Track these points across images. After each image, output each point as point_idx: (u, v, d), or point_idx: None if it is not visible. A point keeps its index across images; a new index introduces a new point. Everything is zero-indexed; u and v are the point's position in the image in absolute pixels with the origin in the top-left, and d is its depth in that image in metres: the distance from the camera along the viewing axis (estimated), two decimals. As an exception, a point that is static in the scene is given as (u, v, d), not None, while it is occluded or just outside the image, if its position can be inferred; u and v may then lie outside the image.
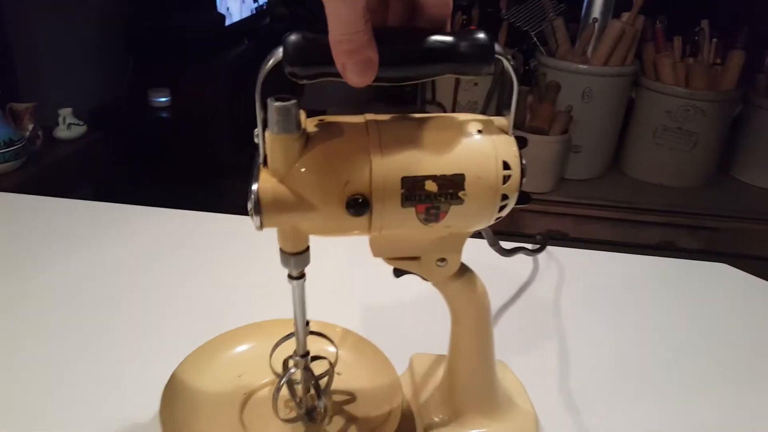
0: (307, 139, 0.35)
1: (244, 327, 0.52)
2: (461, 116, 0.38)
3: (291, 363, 0.43)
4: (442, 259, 0.40)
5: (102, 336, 0.58)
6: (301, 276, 0.39)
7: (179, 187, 2.02)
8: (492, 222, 0.38)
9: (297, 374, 0.43)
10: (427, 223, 0.36)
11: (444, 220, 0.37)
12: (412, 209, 0.36)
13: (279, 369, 0.44)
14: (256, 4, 3.00)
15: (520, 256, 0.69)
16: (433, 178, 0.35)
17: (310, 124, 0.36)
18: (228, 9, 2.68)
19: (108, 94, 2.37)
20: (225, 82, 2.49)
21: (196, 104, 2.38)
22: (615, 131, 1.87)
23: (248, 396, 0.47)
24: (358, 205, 0.34)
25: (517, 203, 0.38)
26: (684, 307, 0.67)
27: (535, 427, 0.46)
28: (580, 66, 1.75)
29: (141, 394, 0.50)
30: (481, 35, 0.34)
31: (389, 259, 0.40)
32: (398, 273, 0.41)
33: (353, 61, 0.31)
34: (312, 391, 0.43)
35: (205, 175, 2.36)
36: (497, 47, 0.34)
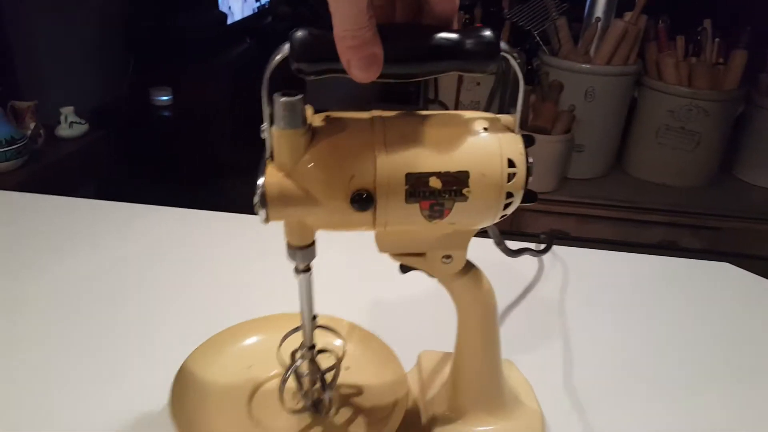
0: (313, 134, 0.35)
1: (255, 320, 0.53)
2: (468, 114, 0.38)
3: (298, 355, 0.43)
4: (448, 256, 0.40)
5: (107, 331, 0.58)
6: (308, 269, 0.39)
7: (181, 185, 2.02)
8: (497, 220, 0.38)
9: (304, 366, 0.43)
10: (431, 219, 0.36)
11: (448, 217, 0.37)
12: (416, 205, 0.36)
13: (287, 361, 0.44)
14: (258, 3, 3.00)
15: (524, 256, 0.69)
16: (437, 174, 0.35)
17: (316, 120, 0.36)
18: (230, 8, 2.68)
19: (109, 92, 2.37)
20: (226, 81, 2.49)
21: (198, 103, 2.38)
22: (618, 131, 1.87)
23: (257, 387, 0.47)
24: (363, 201, 0.35)
25: (522, 201, 0.38)
26: (689, 306, 0.67)
27: (542, 425, 0.46)
28: (583, 65, 1.74)
29: (150, 387, 0.50)
30: (487, 32, 0.34)
31: (395, 255, 0.40)
32: (405, 269, 0.41)
33: (357, 56, 0.31)
34: (318, 384, 0.44)
35: (207, 173, 2.36)
36: (503, 44, 0.34)
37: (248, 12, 2.91)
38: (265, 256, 0.72)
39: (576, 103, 1.77)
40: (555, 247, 0.74)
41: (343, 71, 0.32)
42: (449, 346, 0.46)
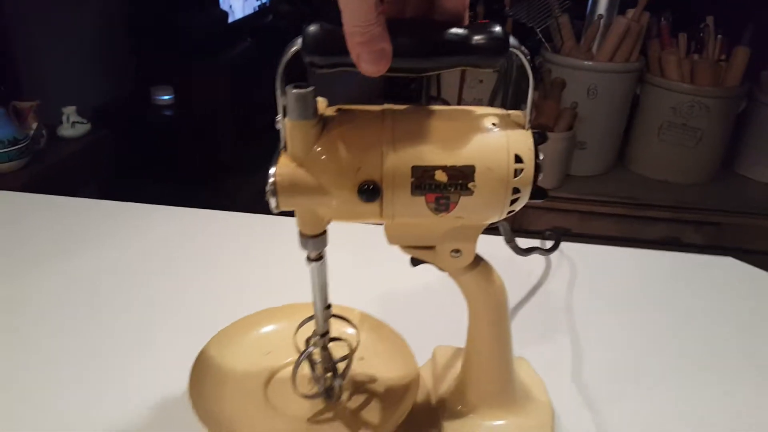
0: (325, 125, 0.36)
1: (273, 308, 0.53)
2: (479, 109, 0.38)
3: (311, 342, 0.44)
4: (457, 250, 0.40)
5: (113, 329, 0.59)
6: (319, 258, 0.40)
7: (183, 184, 2.02)
8: (504, 215, 0.38)
9: (317, 353, 0.44)
10: (437, 212, 0.37)
11: (454, 211, 0.37)
12: (422, 198, 0.36)
13: (302, 347, 0.45)
14: (258, 2, 3.00)
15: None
16: (443, 168, 0.36)
17: (329, 112, 0.37)
18: (231, 6, 2.68)
19: (111, 92, 2.37)
20: (228, 80, 2.48)
21: (200, 102, 2.38)
22: (620, 128, 1.87)
23: (274, 372, 0.48)
24: (369, 192, 0.35)
25: (531, 198, 0.38)
26: (696, 300, 0.68)
27: (552, 421, 0.46)
28: (585, 63, 1.74)
29: (150, 386, 0.51)
30: (497, 28, 0.34)
31: (405, 248, 0.41)
32: (415, 262, 0.41)
33: (367, 51, 0.32)
34: (330, 372, 0.45)
35: (209, 172, 2.37)
36: (512, 40, 0.34)
37: (249, 10, 2.90)
38: (269, 254, 0.72)
39: (578, 100, 1.77)
40: (561, 244, 0.74)
41: (354, 65, 0.33)
42: (464, 341, 0.46)
